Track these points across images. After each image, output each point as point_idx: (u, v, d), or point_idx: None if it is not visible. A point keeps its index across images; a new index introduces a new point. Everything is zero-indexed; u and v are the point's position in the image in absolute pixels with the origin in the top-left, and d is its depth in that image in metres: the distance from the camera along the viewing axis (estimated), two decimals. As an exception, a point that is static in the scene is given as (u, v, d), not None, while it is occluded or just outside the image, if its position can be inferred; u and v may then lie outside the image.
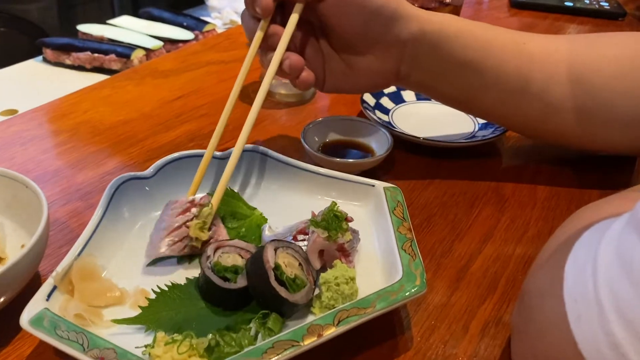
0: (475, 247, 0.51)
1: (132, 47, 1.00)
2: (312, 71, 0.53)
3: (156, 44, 1.03)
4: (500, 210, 0.56)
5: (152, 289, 0.42)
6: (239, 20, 0.78)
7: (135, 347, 0.36)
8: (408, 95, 0.74)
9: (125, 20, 1.15)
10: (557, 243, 0.35)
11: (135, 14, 1.22)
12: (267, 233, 0.47)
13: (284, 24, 0.51)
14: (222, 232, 0.47)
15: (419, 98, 0.73)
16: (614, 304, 0.26)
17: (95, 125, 0.69)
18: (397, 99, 0.73)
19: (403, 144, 0.64)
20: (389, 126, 0.65)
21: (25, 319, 0.36)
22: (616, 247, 0.27)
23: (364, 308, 0.37)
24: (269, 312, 0.40)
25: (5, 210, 0.48)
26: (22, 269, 0.39)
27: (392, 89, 0.74)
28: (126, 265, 0.45)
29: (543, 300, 0.32)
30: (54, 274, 0.39)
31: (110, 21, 1.14)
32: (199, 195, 0.49)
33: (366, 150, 0.62)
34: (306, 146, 0.58)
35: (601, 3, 1.19)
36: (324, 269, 0.44)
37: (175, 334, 0.37)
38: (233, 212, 0.51)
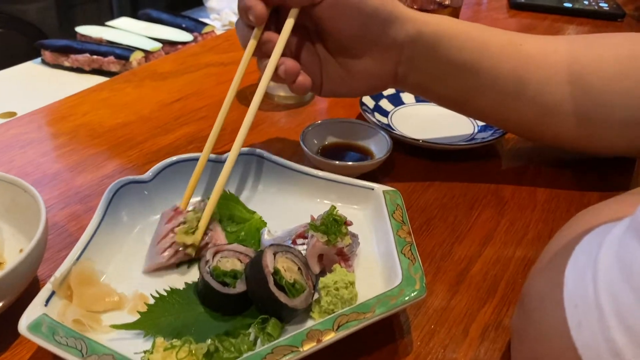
0: (475, 249, 0.51)
1: (131, 49, 1.00)
2: (308, 75, 0.53)
3: (155, 45, 1.03)
4: (500, 213, 0.56)
5: (151, 294, 0.42)
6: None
7: (134, 353, 0.36)
8: (407, 97, 0.74)
9: (123, 22, 1.15)
10: (557, 247, 0.35)
11: (134, 15, 1.21)
12: (266, 237, 0.47)
13: (279, 30, 0.51)
14: (219, 237, 0.47)
15: (418, 100, 0.73)
16: (614, 309, 0.26)
17: (94, 128, 0.69)
18: (396, 101, 0.73)
19: (402, 146, 0.64)
20: (388, 128, 0.64)
21: (23, 324, 0.36)
22: (616, 252, 0.27)
23: (363, 313, 0.37)
24: (268, 317, 0.39)
25: (3, 214, 0.48)
26: (20, 274, 0.39)
27: (391, 91, 0.74)
28: (125, 269, 0.45)
29: (543, 304, 0.32)
30: (52, 279, 0.39)
31: (109, 23, 1.14)
32: (179, 203, 0.49)
33: (365, 153, 0.62)
34: (305, 149, 0.58)
35: (600, 4, 1.19)
36: (323, 273, 0.44)
37: (174, 340, 0.37)
38: (232, 215, 0.51)
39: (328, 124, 0.63)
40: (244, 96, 0.74)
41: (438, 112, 0.68)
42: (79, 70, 1.02)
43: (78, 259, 0.42)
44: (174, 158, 0.52)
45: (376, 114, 0.69)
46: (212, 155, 0.53)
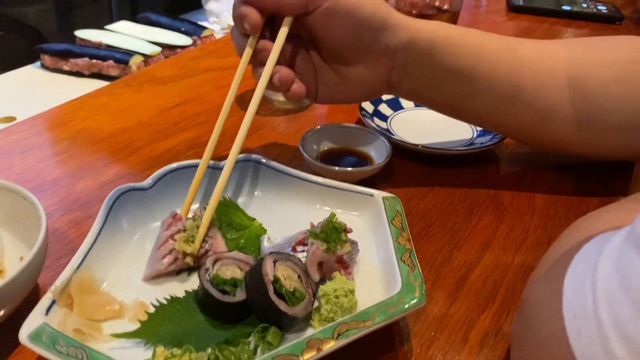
0: (474, 255, 0.51)
1: (130, 53, 1.00)
2: (303, 83, 0.54)
3: (154, 49, 1.03)
4: (499, 219, 0.56)
5: (151, 302, 0.42)
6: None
7: (135, 362, 0.36)
8: (406, 101, 0.74)
9: (123, 25, 1.15)
10: (556, 255, 0.35)
11: (134, 18, 1.21)
12: (266, 244, 0.47)
13: (273, 38, 0.52)
14: (219, 244, 0.47)
15: (417, 105, 0.73)
16: (613, 319, 0.26)
17: (93, 134, 0.69)
18: (395, 105, 0.73)
19: (401, 151, 0.64)
20: (387, 133, 0.65)
21: (24, 334, 0.36)
22: (615, 262, 0.27)
23: (363, 321, 0.37)
24: (268, 326, 0.40)
25: (3, 222, 0.48)
26: (21, 282, 0.39)
27: (390, 95, 0.74)
28: (125, 277, 0.45)
29: (542, 312, 0.32)
30: (52, 288, 0.39)
31: (108, 27, 1.14)
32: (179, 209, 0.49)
33: (365, 159, 0.62)
34: (305, 155, 0.58)
35: (599, 7, 1.20)
36: (323, 280, 0.44)
37: (175, 348, 0.37)
38: (232, 222, 0.51)
39: (327, 129, 0.63)
40: (242, 100, 0.74)
41: (437, 117, 0.67)
42: (78, 74, 1.01)
43: (78, 267, 0.42)
44: (174, 165, 0.53)
45: (375, 119, 0.69)
46: (212, 162, 0.53)
